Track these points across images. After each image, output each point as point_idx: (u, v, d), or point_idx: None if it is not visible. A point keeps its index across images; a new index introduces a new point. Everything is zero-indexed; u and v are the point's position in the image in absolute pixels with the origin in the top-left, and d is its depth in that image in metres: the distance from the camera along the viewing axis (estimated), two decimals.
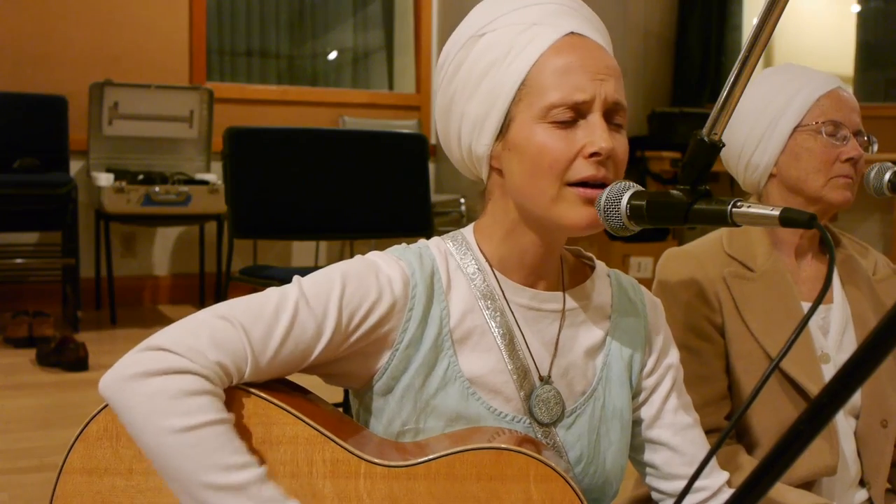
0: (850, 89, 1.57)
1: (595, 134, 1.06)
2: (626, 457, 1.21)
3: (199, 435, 0.96)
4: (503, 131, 1.10)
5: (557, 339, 1.17)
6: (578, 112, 1.07)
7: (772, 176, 1.54)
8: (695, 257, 1.54)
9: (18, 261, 4.94)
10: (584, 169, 1.06)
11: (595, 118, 1.07)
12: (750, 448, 1.49)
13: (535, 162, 1.07)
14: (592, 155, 1.06)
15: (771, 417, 1.47)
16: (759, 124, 1.51)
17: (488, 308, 1.13)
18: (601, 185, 1.06)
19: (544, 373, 1.15)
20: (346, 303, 1.07)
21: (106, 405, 1.02)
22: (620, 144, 1.09)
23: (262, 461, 1.01)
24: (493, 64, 1.09)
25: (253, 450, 1.02)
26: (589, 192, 1.06)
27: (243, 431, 1.02)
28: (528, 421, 1.13)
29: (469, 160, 1.16)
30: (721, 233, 1.57)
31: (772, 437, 1.47)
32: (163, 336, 1.01)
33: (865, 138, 1.53)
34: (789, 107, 1.50)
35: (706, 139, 0.95)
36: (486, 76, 1.10)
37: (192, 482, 0.96)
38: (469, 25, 1.14)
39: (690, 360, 1.47)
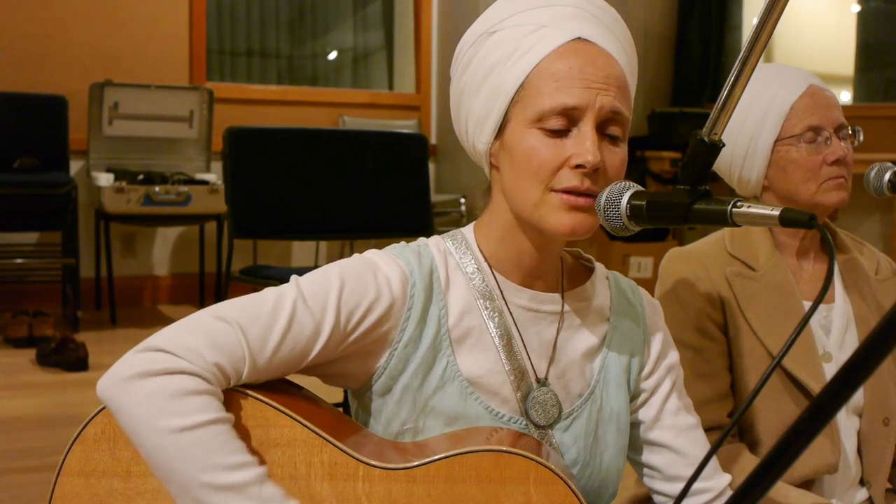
0: (835, 87, 1.56)
1: (583, 146, 1.05)
2: (624, 459, 1.20)
3: (197, 435, 0.95)
4: (501, 131, 1.11)
5: (555, 341, 1.16)
6: (571, 119, 1.06)
7: (765, 188, 1.54)
8: (697, 257, 1.54)
9: (18, 261, 4.94)
10: (567, 179, 1.05)
11: (586, 128, 1.05)
12: (753, 446, 1.49)
13: (523, 165, 1.07)
14: (578, 166, 1.05)
15: (773, 416, 1.47)
16: (740, 142, 1.51)
17: (487, 308, 1.13)
18: (587, 194, 1.05)
19: (541, 375, 1.15)
20: (345, 302, 1.06)
21: (103, 407, 1.02)
22: (615, 157, 1.08)
23: (261, 461, 1.01)
24: (498, 63, 1.09)
25: (251, 452, 1.01)
26: (573, 199, 1.05)
27: (241, 434, 1.01)
28: (524, 422, 1.13)
29: (475, 154, 1.17)
30: (723, 233, 1.57)
31: (774, 436, 1.47)
32: (160, 337, 1.00)
33: (849, 131, 1.52)
34: (765, 122, 1.50)
35: (706, 139, 0.95)
36: (490, 74, 1.10)
37: (191, 483, 0.95)
38: (484, 20, 1.13)
39: (693, 358, 1.47)
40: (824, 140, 1.49)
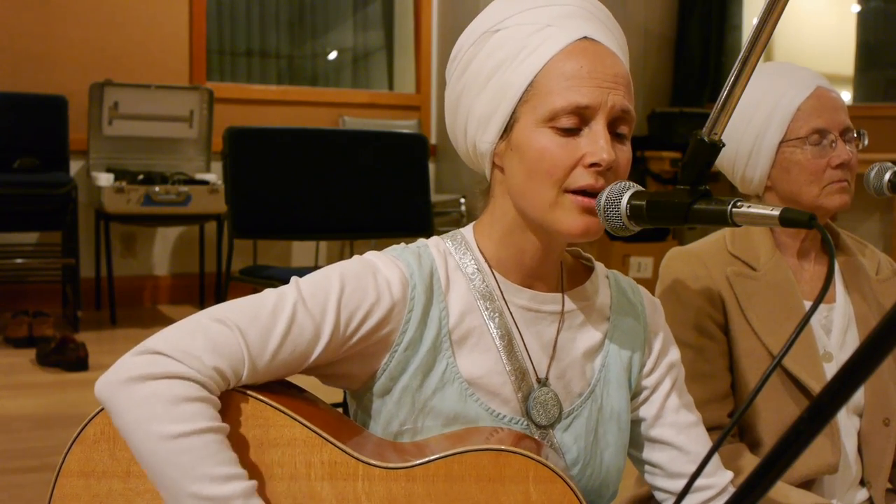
0: (835, 87, 1.55)
1: (597, 144, 1.05)
2: (624, 458, 1.21)
3: (188, 443, 0.95)
4: (507, 130, 1.10)
5: (556, 341, 1.16)
6: (583, 119, 1.06)
7: (768, 188, 1.54)
8: (698, 256, 1.54)
9: (18, 261, 4.94)
10: (582, 178, 1.05)
11: (598, 127, 1.06)
12: (753, 446, 1.49)
13: (535, 166, 1.07)
14: (592, 165, 1.05)
15: (774, 415, 1.47)
16: (745, 140, 1.51)
17: (487, 309, 1.13)
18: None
19: (542, 374, 1.15)
20: (345, 304, 1.06)
21: (102, 408, 1.02)
22: (623, 155, 1.08)
23: (251, 474, 1.00)
24: (504, 62, 1.09)
25: (249, 455, 1.01)
26: (586, 200, 1.06)
27: (240, 434, 1.01)
28: (525, 423, 1.13)
29: (473, 155, 1.16)
30: (724, 232, 1.57)
31: (774, 435, 1.47)
32: (159, 339, 1.00)
33: (854, 134, 1.52)
34: (771, 122, 1.49)
35: (706, 139, 0.95)
36: (495, 74, 1.09)
37: (180, 490, 0.95)
38: (484, 20, 1.13)
39: (694, 357, 1.47)
40: (829, 143, 1.49)
